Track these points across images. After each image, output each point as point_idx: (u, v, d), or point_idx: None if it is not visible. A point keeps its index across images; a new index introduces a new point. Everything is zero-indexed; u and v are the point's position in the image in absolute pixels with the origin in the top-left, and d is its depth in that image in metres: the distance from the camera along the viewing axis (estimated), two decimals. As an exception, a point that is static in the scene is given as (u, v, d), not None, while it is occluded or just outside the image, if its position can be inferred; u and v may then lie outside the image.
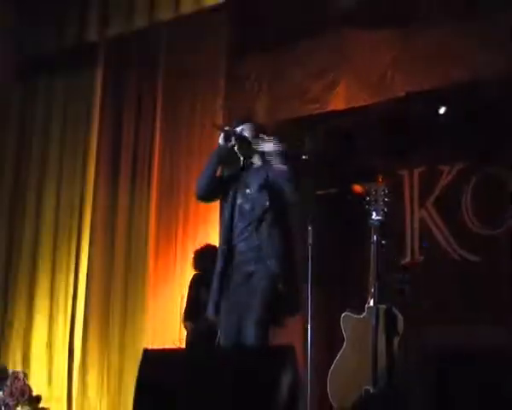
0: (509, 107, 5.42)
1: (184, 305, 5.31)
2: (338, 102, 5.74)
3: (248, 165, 4.11)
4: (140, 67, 5.89)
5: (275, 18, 5.77)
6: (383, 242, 4.64)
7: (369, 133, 5.99)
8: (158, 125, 5.73)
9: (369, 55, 5.62)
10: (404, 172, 6.19)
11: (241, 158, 4.09)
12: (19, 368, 5.58)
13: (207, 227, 5.57)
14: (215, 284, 4.00)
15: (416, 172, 6.15)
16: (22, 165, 6.25)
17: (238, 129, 4.04)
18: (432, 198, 6.07)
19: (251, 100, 5.95)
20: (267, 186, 3.98)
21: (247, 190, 4.03)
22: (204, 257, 5.25)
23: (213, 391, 3.57)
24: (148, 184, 5.79)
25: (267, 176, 4.00)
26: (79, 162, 5.97)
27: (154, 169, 5.77)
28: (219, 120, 5.50)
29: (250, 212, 3.97)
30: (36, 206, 6.15)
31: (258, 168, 4.08)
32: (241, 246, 3.97)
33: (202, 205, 5.48)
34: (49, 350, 5.83)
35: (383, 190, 4.81)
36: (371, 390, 4.40)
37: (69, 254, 5.91)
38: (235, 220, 3.99)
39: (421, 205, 6.11)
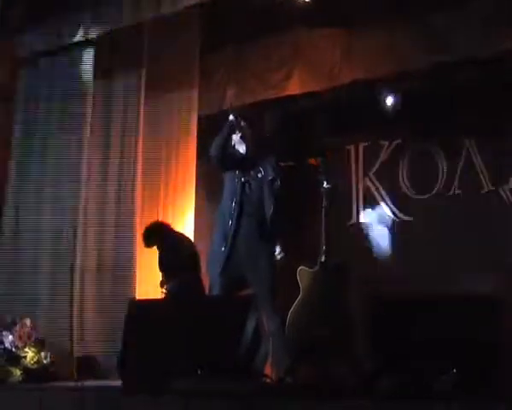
0: (433, 94, 6.21)
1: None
2: (294, 88, 6.33)
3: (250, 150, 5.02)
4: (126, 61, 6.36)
5: (240, 18, 6.33)
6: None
7: (321, 115, 6.71)
8: (142, 109, 6.28)
9: (321, 49, 6.24)
10: (351, 147, 6.89)
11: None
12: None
13: (185, 188, 6.27)
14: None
15: (361, 146, 6.86)
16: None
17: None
18: (374, 169, 6.82)
19: (221, 89, 6.58)
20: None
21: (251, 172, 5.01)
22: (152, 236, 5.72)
23: (191, 332, 4.15)
24: (135, 154, 6.31)
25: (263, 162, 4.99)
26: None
27: (139, 144, 6.30)
28: (194, 106, 6.26)
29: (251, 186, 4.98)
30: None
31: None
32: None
33: (180, 172, 6.30)
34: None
35: (333, 163, 5.48)
36: (322, 333, 4.71)
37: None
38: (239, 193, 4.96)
39: (365, 175, 6.83)
